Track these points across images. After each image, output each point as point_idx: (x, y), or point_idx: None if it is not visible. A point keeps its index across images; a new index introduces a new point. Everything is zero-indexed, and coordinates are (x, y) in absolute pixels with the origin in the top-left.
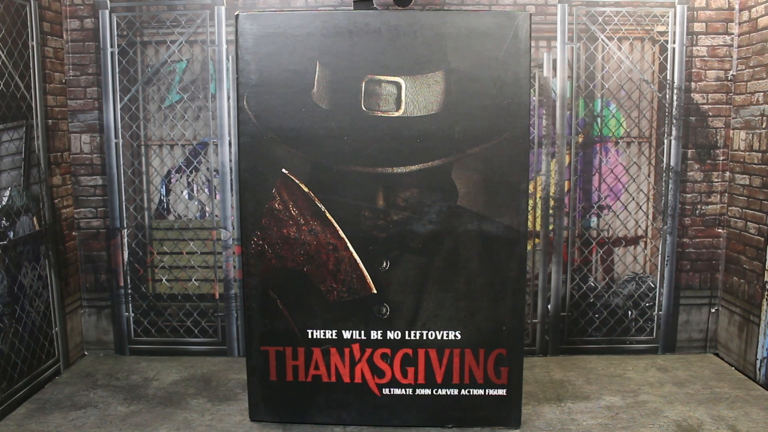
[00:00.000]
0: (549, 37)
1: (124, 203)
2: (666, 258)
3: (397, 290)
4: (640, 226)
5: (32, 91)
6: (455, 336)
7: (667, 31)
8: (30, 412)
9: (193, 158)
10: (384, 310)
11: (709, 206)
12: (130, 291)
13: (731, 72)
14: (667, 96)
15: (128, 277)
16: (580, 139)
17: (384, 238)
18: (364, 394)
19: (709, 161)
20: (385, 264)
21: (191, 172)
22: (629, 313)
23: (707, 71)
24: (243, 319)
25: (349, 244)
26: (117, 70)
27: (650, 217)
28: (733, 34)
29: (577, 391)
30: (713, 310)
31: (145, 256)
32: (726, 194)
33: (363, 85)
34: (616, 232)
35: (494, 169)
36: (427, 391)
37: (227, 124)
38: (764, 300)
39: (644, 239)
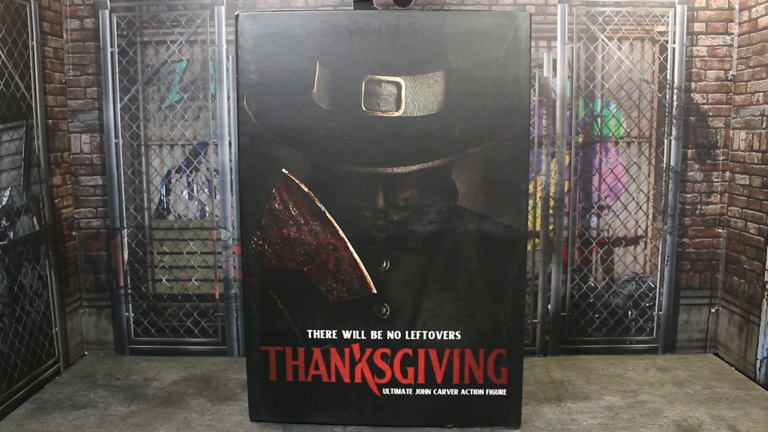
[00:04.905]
0: (549, 37)
1: (124, 203)
2: (666, 258)
3: (397, 290)
4: (640, 226)
5: (32, 91)
6: (455, 336)
7: (667, 31)
8: (30, 412)
9: (193, 158)
10: (384, 310)
11: (709, 206)
12: (130, 291)
13: (731, 72)
14: (667, 96)
15: (128, 277)
16: (580, 139)
17: (384, 238)
18: (364, 394)
19: (709, 161)
20: (385, 264)
21: (191, 172)
22: (629, 313)
23: (707, 71)
24: (243, 319)
25: (349, 244)
26: (117, 70)
27: (650, 217)
28: (733, 34)
29: (577, 391)
30: (713, 310)
31: (145, 256)
32: (726, 194)
33: (363, 85)
34: (616, 232)
35: (494, 169)
36: (427, 391)
37: (227, 124)
38: (764, 300)
39: (644, 239)
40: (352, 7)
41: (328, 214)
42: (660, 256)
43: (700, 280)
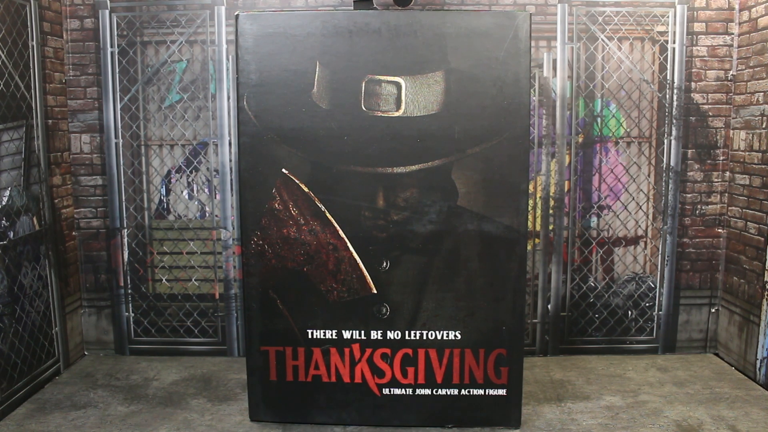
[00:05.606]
0: (549, 37)
1: (124, 203)
2: (666, 258)
3: (397, 290)
4: (640, 226)
5: (32, 91)
6: (455, 336)
7: (667, 31)
8: (30, 412)
9: (193, 158)
10: (384, 310)
11: (709, 206)
12: (130, 291)
13: (731, 72)
14: (667, 96)
15: (128, 277)
16: (580, 139)
17: (384, 238)
18: (364, 394)
19: (709, 161)
20: (385, 264)
21: (191, 172)
22: (629, 313)
23: (707, 71)
24: (243, 319)
25: (349, 244)
26: (117, 70)
27: (650, 217)
28: (733, 34)
29: (577, 391)
30: (713, 310)
31: (145, 256)
32: (726, 194)
33: (363, 85)
34: (616, 232)
35: (494, 169)
36: (427, 391)
37: (227, 124)
38: (764, 300)
39: (644, 239)
40: (352, 7)
41: (328, 214)
42: (660, 256)
43: (700, 280)
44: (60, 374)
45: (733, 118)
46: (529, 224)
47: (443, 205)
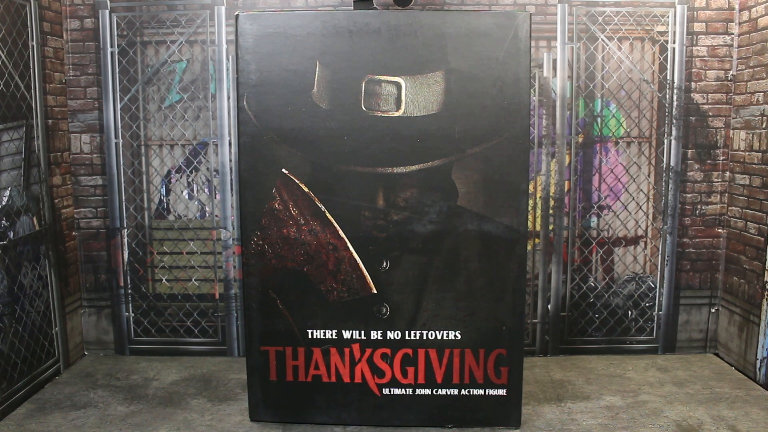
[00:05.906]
0: (549, 37)
1: (124, 203)
2: (666, 258)
3: (397, 290)
4: (640, 226)
5: (32, 91)
6: (455, 336)
7: (667, 31)
8: (30, 412)
9: (193, 158)
10: (384, 310)
11: (709, 206)
12: (130, 291)
13: (731, 72)
14: (667, 96)
15: (128, 277)
16: (580, 139)
17: (384, 238)
18: (364, 394)
19: (709, 161)
20: (385, 264)
21: (191, 172)
22: (629, 313)
23: (707, 71)
24: (243, 319)
25: (349, 244)
26: (117, 70)
27: (650, 217)
28: (733, 34)
29: (577, 391)
30: (713, 310)
31: (145, 256)
32: (726, 194)
33: (363, 85)
34: (616, 232)
35: (494, 169)
36: (427, 391)
37: (227, 124)
38: (764, 300)
39: (644, 239)
40: (352, 7)
41: (328, 214)
42: (660, 256)
43: (700, 280)
44: (60, 374)
45: (733, 118)
46: (529, 224)
47: (443, 205)
